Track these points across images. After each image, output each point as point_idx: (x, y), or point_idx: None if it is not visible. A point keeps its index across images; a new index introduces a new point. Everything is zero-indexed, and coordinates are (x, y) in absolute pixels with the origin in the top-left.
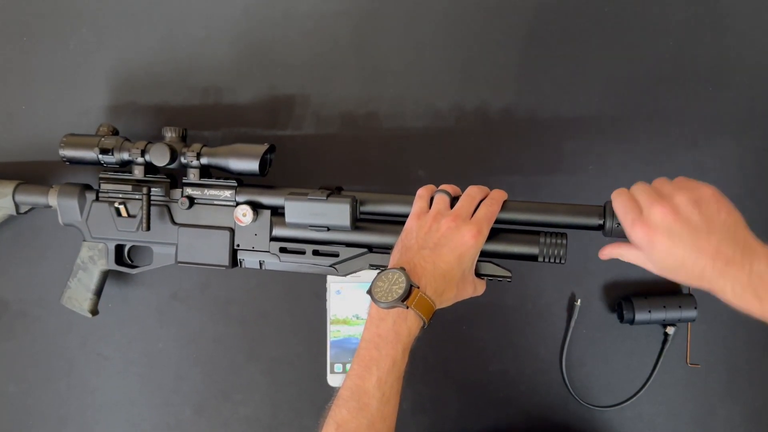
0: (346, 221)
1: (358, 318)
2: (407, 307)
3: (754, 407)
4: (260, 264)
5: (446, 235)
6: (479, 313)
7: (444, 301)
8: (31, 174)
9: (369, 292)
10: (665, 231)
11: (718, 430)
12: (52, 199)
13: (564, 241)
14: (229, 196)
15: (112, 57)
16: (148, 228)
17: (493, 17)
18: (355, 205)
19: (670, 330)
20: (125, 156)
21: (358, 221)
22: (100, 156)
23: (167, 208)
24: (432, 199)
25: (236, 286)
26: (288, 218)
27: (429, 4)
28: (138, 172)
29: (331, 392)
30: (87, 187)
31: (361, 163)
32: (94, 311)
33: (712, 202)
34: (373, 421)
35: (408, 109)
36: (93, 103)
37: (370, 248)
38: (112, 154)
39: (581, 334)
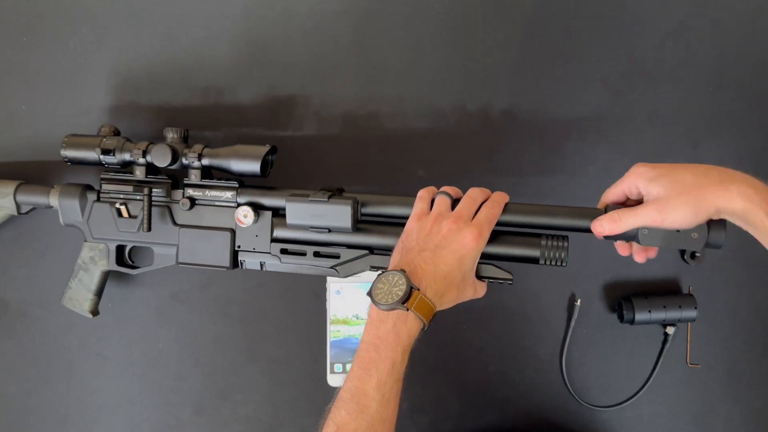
0: (347, 223)
1: (358, 318)
2: (407, 309)
3: (754, 407)
4: (261, 265)
5: (447, 237)
6: (479, 314)
7: (444, 303)
8: (31, 174)
9: (369, 293)
10: (662, 163)
11: (718, 430)
12: (54, 200)
13: (565, 244)
14: (230, 197)
15: (112, 57)
16: (149, 229)
17: (493, 17)
18: (356, 206)
19: (670, 330)
20: (126, 157)
21: (359, 223)
22: (102, 156)
23: (168, 209)
24: (433, 200)
25: (236, 286)
26: (289, 220)
27: (429, 4)
28: (139, 173)
29: (331, 392)
30: (88, 188)
31: (361, 164)
32: (95, 311)
33: None
34: (373, 423)
35: (408, 109)
36: (93, 103)
37: (371, 250)
38: (114, 155)
39: (581, 334)
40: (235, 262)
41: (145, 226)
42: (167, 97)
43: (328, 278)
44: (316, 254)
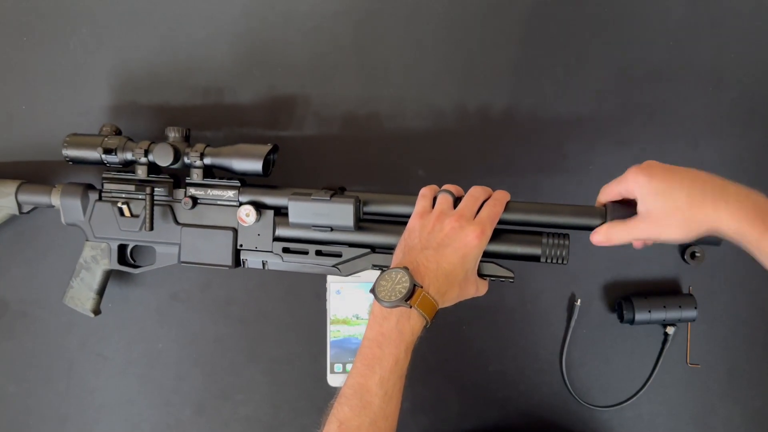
0: (349, 221)
1: (358, 318)
2: (411, 307)
3: (754, 407)
4: (263, 264)
5: (450, 235)
6: (479, 314)
7: (447, 301)
8: (32, 174)
9: (372, 290)
10: (656, 163)
11: (718, 430)
12: (55, 199)
13: (566, 242)
14: (232, 196)
15: (112, 57)
16: (152, 228)
17: (493, 17)
18: (358, 205)
19: (670, 330)
20: (128, 156)
21: (361, 221)
22: (103, 156)
23: (170, 208)
24: (435, 199)
25: (236, 286)
26: (291, 218)
27: (429, 4)
28: (141, 172)
29: (331, 392)
30: (90, 187)
31: (361, 163)
32: (97, 311)
33: None
34: (376, 420)
35: (408, 109)
36: (93, 103)
37: (373, 248)
38: (115, 154)
39: (581, 334)
40: (237, 261)
41: (148, 225)
42: (167, 97)
43: (329, 278)
44: (318, 253)
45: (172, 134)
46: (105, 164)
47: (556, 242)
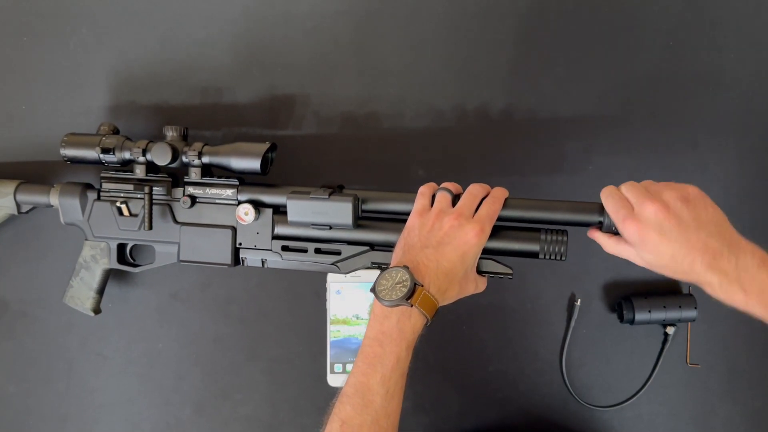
0: (348, 219)
1: (358, 318)
2: (411, 306)
3: (754, 407)
4: (262, 262)
5: (449, 233)
6: (479, 313)
7: (447, 299)
8: (31, 174)
9: (373, 290)
10: (656, 227)
11: (718, 430)
12: (54, 199)
13: (564, 238)
14: (230, 194)
15: (112, 57)
16: (151, 227)
17: (492, 17)
18: (357, 203)
19: (670, 330)
20: (126, 155)
21: (360, 219)
22: (102, 155)
23: (169, 207)
24: (434, 196)
25: (236, 285)
26: (290, 217)
27: (429, 4)
28: (139, 172)
29: (331, 392)
30: (88, 186)
31: (361, 163)
32: (97, 310)
33: (699, 199)
34: (378, 418)
35: (408, 109)
36: (93, 103)
37: (372, 246)
38: (114, 154)
39: (581, 334)
40: (236, 260)
41: (147, 224)
42: (167, 96)
43: (329, 278)
44: (317, 251)
45: (170, 133)
46: (103, 164)
47: (555, 238)
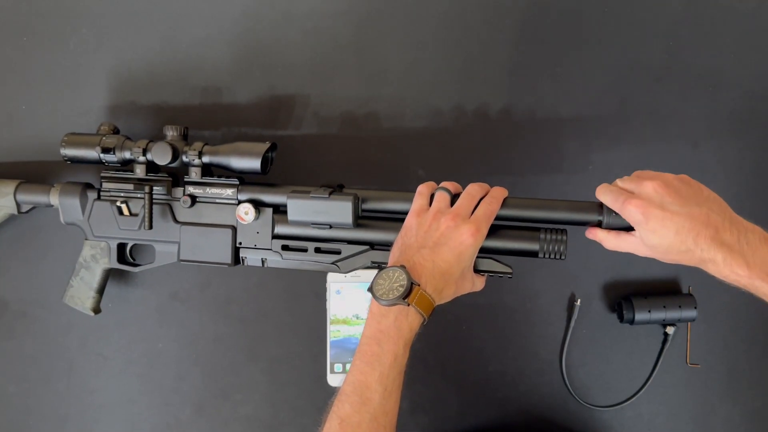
0: (348, 219)
1: (358, 318)
2: (408, 305)
3: (754, 407)
4: (262, 262)
5: (445, 234)
6: (479, 314)
7: (443, 298)
8: (31, 173)
9: (370, 289)
10: (658, 202)
11: (718, 430)
12: (54, 198)
13: (564, 237)
14: (231, 194)
15: (112, 57)
16: (151, 227)
17: (492, 17)
18: (357, 202)
19: (670, 330)
20: (127, 155)
21: (360, 219)
22: (102, 155)
23: (169, 207)
24: (432, 196)
25: (236, 285)
26: (291, 216)
27: (429, 4)
28: (140, 171)
29: (331, 392)
30: (89, 186)
31: (361, 163)
32: (97, 309)
33: (693, 181)
34: (376, 416)
35: (408, 109)
36: (93, 103)
37: (372, 245)
38: (114, 153)
39: (581, 334)
40: (236, 259)
41: (147, 224)
42: (167, 97)
43: (329, 278)
44: (317, 250)
45: (170, 133)
46: (103, 163)
47: (554, 237)
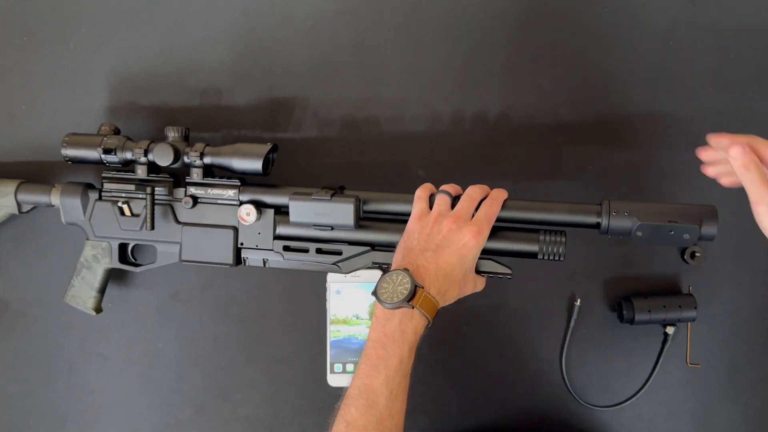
0: (349, 220)
1: (358, 318)
2: (413, 307)
3: (754, 407)
4: (264, 262)
5: (448, 236)
6: (479, 314)
7: (447, 300)
8: (30, 173)
9: (374, 293)
10: None
11: (718, 430)
12: (55, 198)
13: (563, 239)
14: (232, 195)
15: (112, 57)
16: (153, 227)
17: (492, 19)
18: (358, 204)
19: (670, 330)
20: (128, 155)
21: (361, 220)
22: (103, 156)
23: (171, 207)
24: (432, 198)
25: (236, 286)
26: (292, 217)
27: (429, 4)
28: (141, 172)
29: (331, 392)
30: (90, 186)
31: (361, 165)
32: (98, 309)
33: None
34: (382, 419)
35: (408, 111)
36: (93, 103)
37: (373, 246)
38: (115, 154)
39: (581, 334)
40: (238, 260)
41: (149, 224)
42: (167, 97)
43: (329, 278)
44: (319, 251)
45: (172, 134)
46: (104, 164)
47: (553, 239)
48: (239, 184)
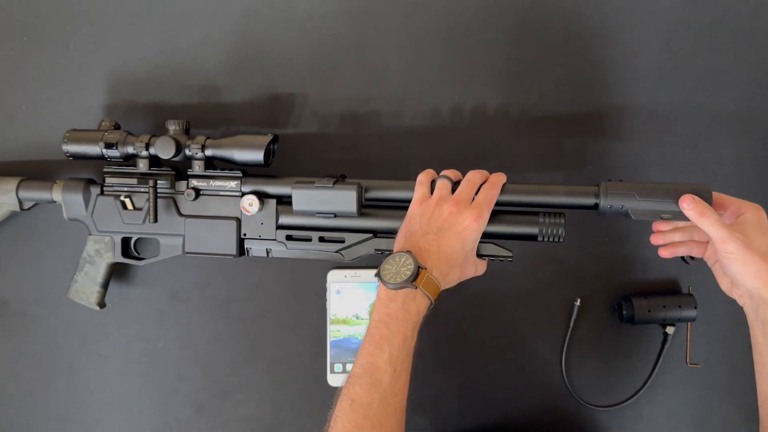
0: (352, 207)
1: (358, 318)
2: (416, 287)
3: (754, 407)
4: (267, 252)
5: (449, 219)
6: (479, 313)
7: (449, 282)
8: (31, 173)
9: (377, 274)
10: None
11: (718, 430)
12: (57, 194)
13: (562, 221)
14: (234, 186)
15: (112, 56)
16: (156, 220)
17: (492, 16)
18: (360, 191)
19: (670, 330)
20: (130, 150)
21: (363, 207)
22: (105, 150)
23: (173, 200)
24: (433, 184)
25: (236, 285)
26: (296, 206)
27: (429, 3)
28: (143, 166)
29: (331, 392)
30: (91, 182)
31: (360, 162)
32: (102, 303)
33: None
34: (386, 396)
35: (407, 108)
36: (93, 103)
37: (375, 233)
38: (116, 148)
39: (581, 334)
40: (241, 250)
41: (152, 217)
42: (167, 96)
43: (329, 278)
44: (321, 239)
45: (173, 127)
46: (106, 159)
47: (552, 221)
48: (241, 175)
